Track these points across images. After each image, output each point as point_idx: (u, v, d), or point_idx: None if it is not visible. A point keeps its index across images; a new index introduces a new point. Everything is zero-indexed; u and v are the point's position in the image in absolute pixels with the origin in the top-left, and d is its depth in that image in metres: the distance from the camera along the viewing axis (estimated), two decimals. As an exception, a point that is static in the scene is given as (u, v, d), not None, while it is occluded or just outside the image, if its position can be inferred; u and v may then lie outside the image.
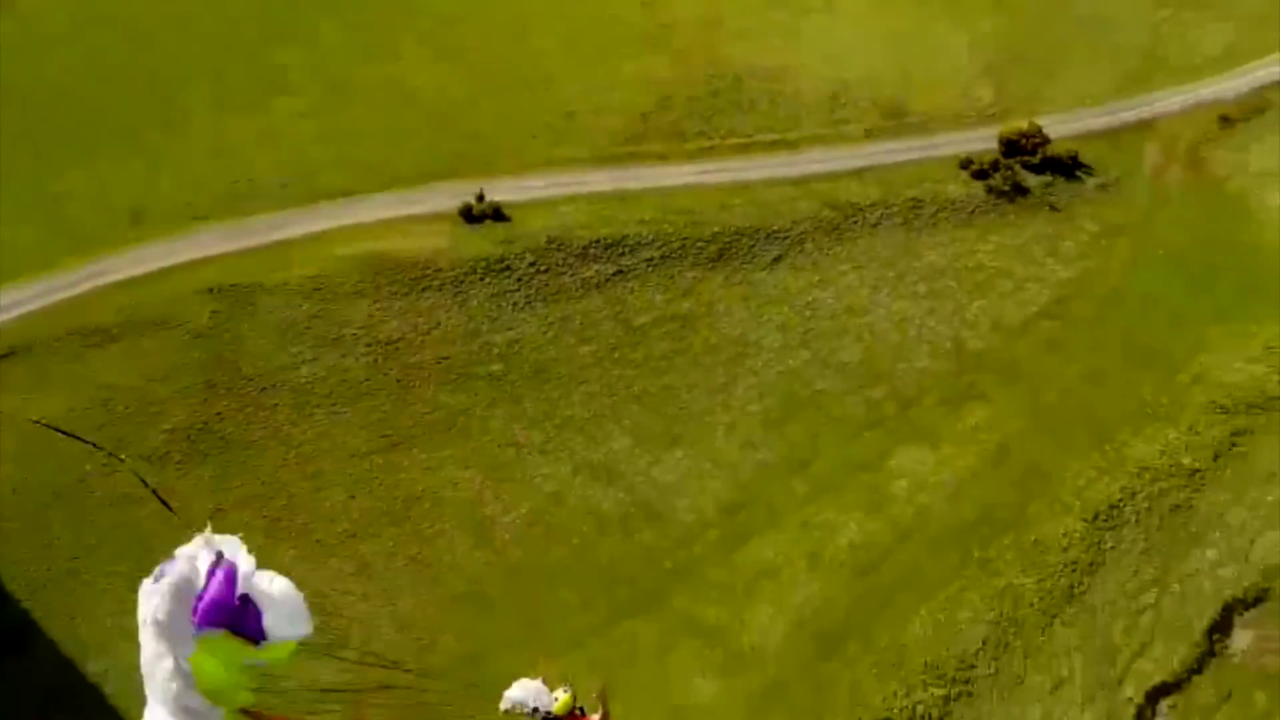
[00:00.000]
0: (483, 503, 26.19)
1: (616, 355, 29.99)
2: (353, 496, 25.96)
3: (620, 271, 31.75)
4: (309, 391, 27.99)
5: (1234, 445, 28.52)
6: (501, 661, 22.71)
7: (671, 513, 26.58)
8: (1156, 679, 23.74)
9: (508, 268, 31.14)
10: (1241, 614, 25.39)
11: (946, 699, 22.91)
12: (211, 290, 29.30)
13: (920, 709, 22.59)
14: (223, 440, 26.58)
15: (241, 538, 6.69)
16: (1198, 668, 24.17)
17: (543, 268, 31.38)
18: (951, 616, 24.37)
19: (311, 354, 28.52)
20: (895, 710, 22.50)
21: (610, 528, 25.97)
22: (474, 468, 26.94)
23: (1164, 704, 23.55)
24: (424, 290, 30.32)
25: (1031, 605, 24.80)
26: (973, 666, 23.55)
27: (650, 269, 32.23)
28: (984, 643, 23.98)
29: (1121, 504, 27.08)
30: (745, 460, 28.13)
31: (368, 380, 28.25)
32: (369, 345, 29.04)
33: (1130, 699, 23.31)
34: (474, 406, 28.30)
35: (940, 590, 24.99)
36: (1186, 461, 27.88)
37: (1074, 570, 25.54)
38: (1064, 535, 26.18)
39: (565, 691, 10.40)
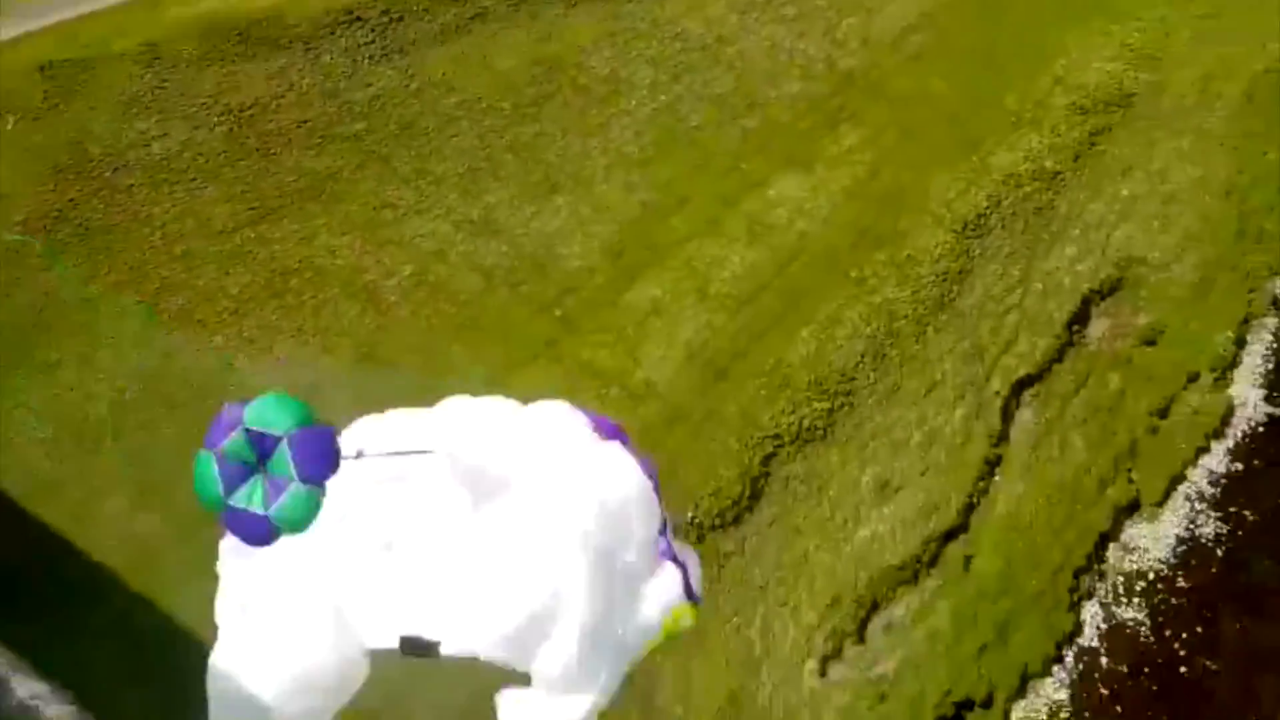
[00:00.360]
0: (363, 268, 25.85)
1: (484, 105, 29.06)
2: (228, 273, 25.32)
3: (479, 14, 30.27)
4: (164, 169, 26.68)
5: (1093, 144, 29.55)
6: (402, 420, 23.14)
7: (556, 261, 26.66)
8: (1021, 372, 25.47)
9: (358, 19, 29.38)
10: (1098, 304, 27.12)
11: (830, 411, 24.25)
12: (42, 69, 27.19)
13: (805, 422, 23.90)
14: (82, 228, 25.36)
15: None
16: (1058, 358, 25.96)
17: (396, 15, 29.68)
18: (831, 334, 25.43)
19: (160, 129, 26.95)
20: (783, 426, 23.73)
21: (497, 281, 25.99)
22: (350, 233, 26.39)
23: (1027, 394, 25.39)
24: (272, 51, 28.52)
25: (906, 317, 25.99)
26: (853, 379, 24.83)
27: (511, 9, 30.80)
28: (863, 356, 25.20)
29: (988, 212, 28.11)
30: (626, 202, 28.11)
31: (225, 152, 26.94)
32: (222, 114, 27.52)
33: (997, 393, 25.04)
34: (341, 170, 27.40)
35: (820, 311, 25.94)
36: (1049, 165, 28.87)
37: (944, 280, 26.70)
38: (935, 247, 27.19)
39: None
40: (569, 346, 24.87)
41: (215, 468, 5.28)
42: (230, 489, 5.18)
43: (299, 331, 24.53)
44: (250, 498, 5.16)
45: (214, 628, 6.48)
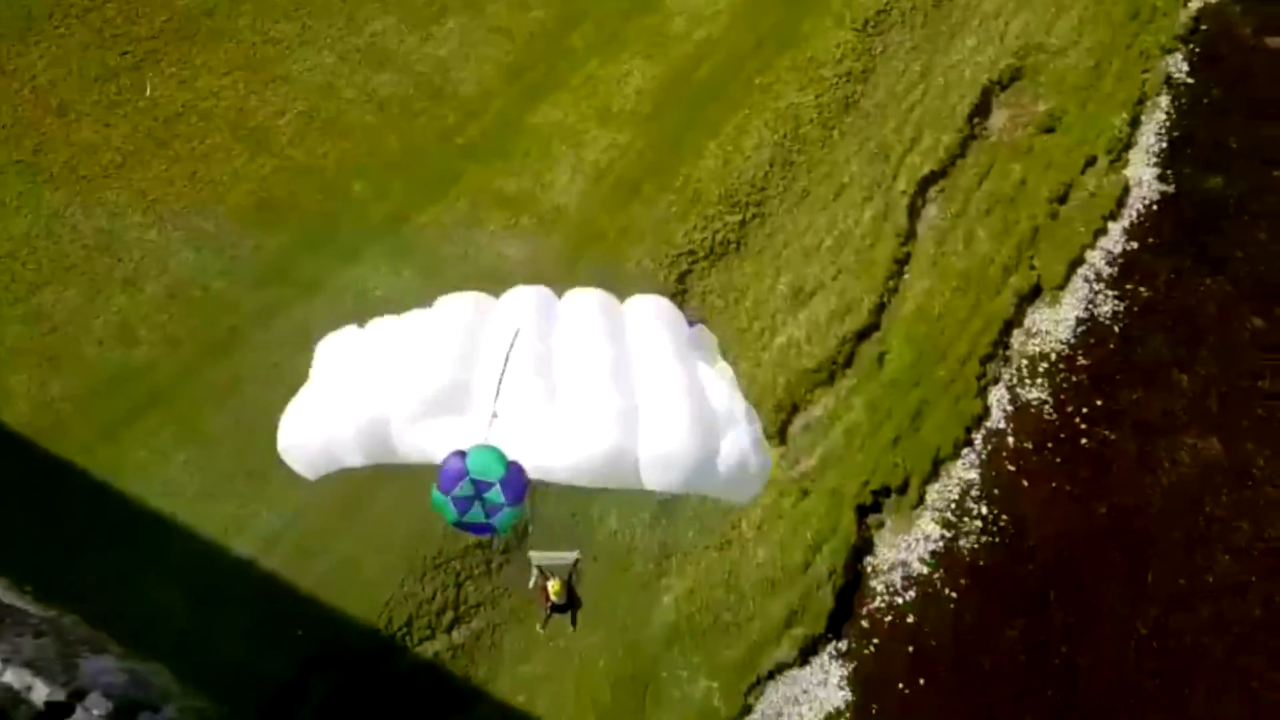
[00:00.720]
0: (251, 109, 24.75)
1: (360, -76, 27.40)
2: (108, 125, 24.11)
3: None
4: (25, 17, 25.01)
5: (989, -68, 29.10)
6: (307, 265, 22.80)
7: (453, 87, 25.83)
8: (926, 169, 25.75)
9: None
10: (998, 95, 27.29)
11: (742, 223, 24.39)
12: None
13: (719, 236, 24.03)
14: (-61, 87, 23.85)
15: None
16: (961, 152, 26.25)
17: None
18: (739, 145, 25.30)
19: (11, -28, 25.07)
20: (696, 242, 23.84)
21: (392, 112, 25.15)
22: (232, 73, 25.12)
23: (932, 191, 25.75)
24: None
25: (811, 121, 25.90)
26: (763, 189, 24.89)
27: None
28: (771, 165, 25.19)
29: (888, 8, 27.74)
30: (520, 21, 27.12)
31: (87, -7, 25.26)
32: (76, -48, 25.62)
33: (904, 192, 25.35)
34: (216, 7, 25.85)
35: (727, 122, 25.70)
36: (946, -45, 28.45)
37: (848, 80, 26.55)
38: (837, 47, 26.89)
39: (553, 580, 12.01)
40: (474, 177, 24.40)
41: (450, 504, 7.85)
42: (461, 513, 7.86)
43: (191, 180, 23.63)
44: (475, 516, 7.89)
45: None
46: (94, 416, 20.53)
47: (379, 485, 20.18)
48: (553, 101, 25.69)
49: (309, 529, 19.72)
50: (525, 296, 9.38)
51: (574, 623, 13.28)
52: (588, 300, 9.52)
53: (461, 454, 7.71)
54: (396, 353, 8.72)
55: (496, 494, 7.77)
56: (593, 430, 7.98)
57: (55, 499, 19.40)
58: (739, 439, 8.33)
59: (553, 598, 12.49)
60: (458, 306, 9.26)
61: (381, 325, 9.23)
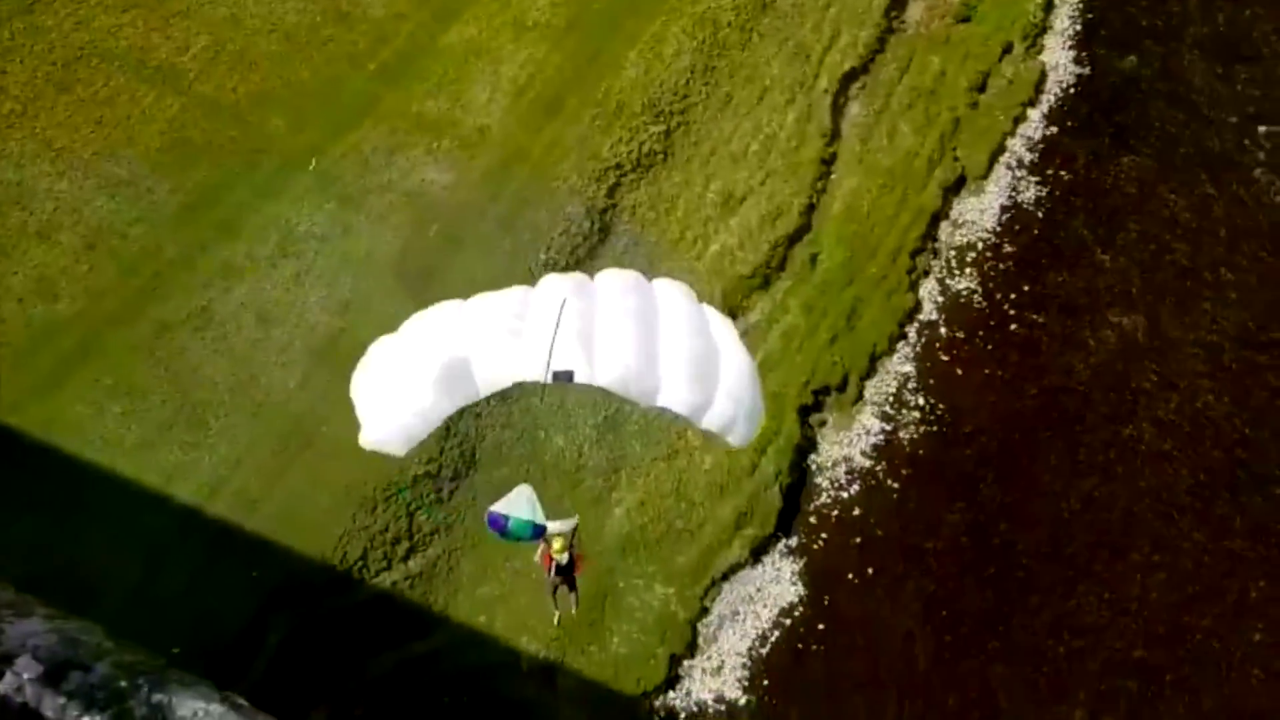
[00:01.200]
0: (153, 46, 23.87)
1: None
2: (4, 72, 23.16)
3: None
4: (-104, -40, 23.79)
5: None
6: (227, 203, 22.31)
7: (361, 10, 25.14)
8: (846, 66, 25.71)
9: None
10: (913, -13, 27.25)
11: (666, 133, 24.25)
12: None
13: (644, 148, 23.90)
14: None
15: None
16: (879, 48, 26.24)
17: None
18: (659, 53, 25.04)
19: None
20: (623, 155, 23.70)
21: (300, 40, 24.43)
22: (130, 9, 24.16)
23: (854, 88, 25.77)
24: None
25: (729, 25, 25.67)
26: (686, 97, 24.72)
27: None
28: (692, 72, 24.99)
29: (799, -97, 27.39)
30: (424, -63, 26.34)
31: (-36, -68, 23.99)
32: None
33: (825, 90, 25.34)
34: (104, -62, 24.84)
35: (644, 30, 25.39)
36: None
37: (764, -20, 26.28)
38: (750, -53, 26.54)
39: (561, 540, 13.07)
40: (392, 102, 23.90)
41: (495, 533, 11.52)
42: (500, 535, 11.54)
43: (98, 125, 22.85)
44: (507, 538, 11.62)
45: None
46: (22, 376, 20.07)
47: (318, 424, 20.12)
48: (465, 19, 25.14)
49: (252, 472, 19.62)
50: (562, 280, 10.64)
51: (574, 589, 14.67)
52: (616, 275, 11.08)
53: (505, 519, 11.41)
54: (459, 316, 10.30)
55: (524, 532, 11.54)
56: (619, 357, 9.71)
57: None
58: (744, 388, 10.46)
59: (555, 556, 13.13)
60: (503, 296, 10.55)
61: (425, 318, 10.59)
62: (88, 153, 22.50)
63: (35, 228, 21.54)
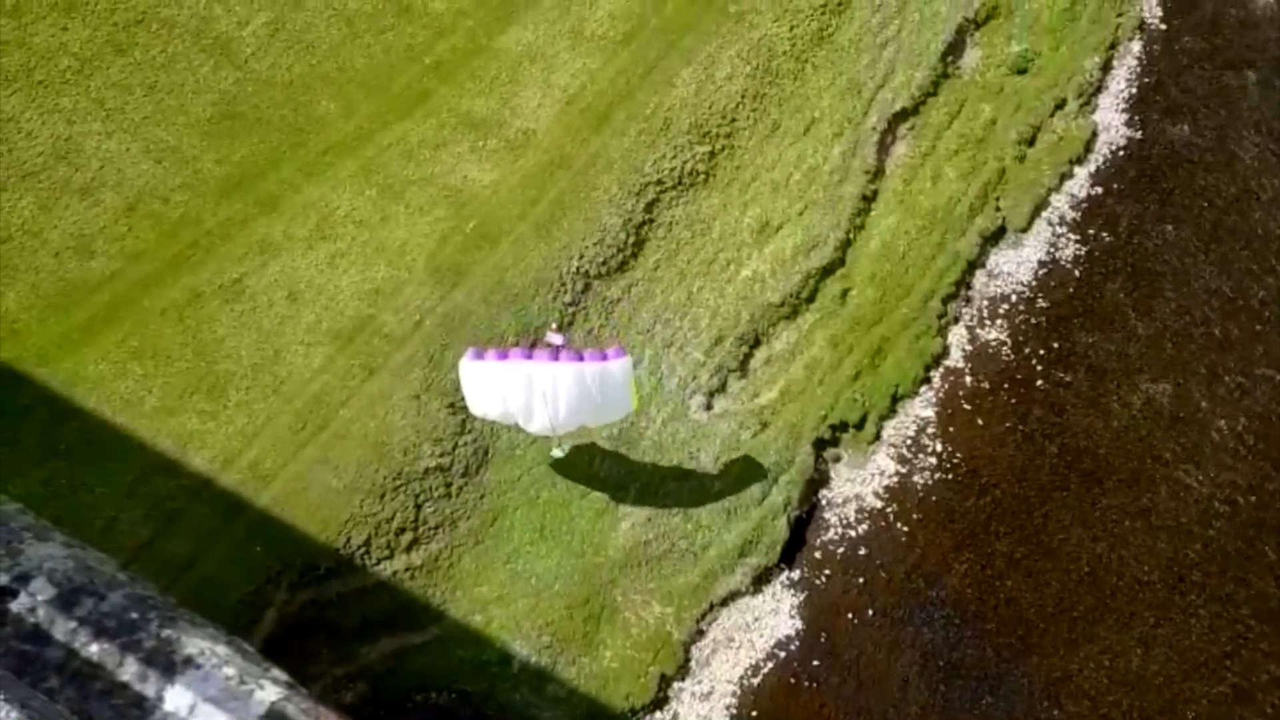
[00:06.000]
0: (214, 18, 24.13)
1: None
2: (66, 29, 23.45)
3: None
4: (-25, -90, 24.16)
5: None
6: (270, 180, 22.49)
7: (423, 4, 25.30)
8: (897, 106, 25.65)
9: None
10: (972, 34, 27.15)
11: (711, 154, 24.27)
12: None
13: (687, 166, 23.93)
14: (-113, -18, 23.04)
15: None
16: (933, 90, 26.16)
17: None
18: (711, 75, 25.08)
19: None
20: (665, 171, 23.73)
21: (360, 27, 24.64)
22: (195, -20, 24.53)
23: (902, 128, 25.71)
24: None
25: (784, 54, 25.68)
26: (733, 120, 24.74)
27: None
28: (742, 96, 25.01)
29: (867, -60, 27.44)
30: (492, -63, 26.55)
31: (42, -111, 24.34)
32: None
33: (874, 128, 25.28)
34: (178, -92, 25.15)
35: (699, 51, 25.42)
36: (928, -112, 28.02)
37: (823, 12, 26.27)
38: (813, -21, 26.60)
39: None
40: (442, 96, 24.04)
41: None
42: None
43: (151, 90, 23.11)
44: None
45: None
46: (51, 328, 20.30)
47: (336, 407, 20.23)
48: (524, 22, 25.27)
49: (267, 447, 19.74)
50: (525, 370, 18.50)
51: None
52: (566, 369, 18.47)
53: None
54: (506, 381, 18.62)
55: None
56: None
57: (7, 408, 19.24)
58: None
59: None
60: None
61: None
62: (139, 116, 22.74)
63: (79, 184, 21.78)
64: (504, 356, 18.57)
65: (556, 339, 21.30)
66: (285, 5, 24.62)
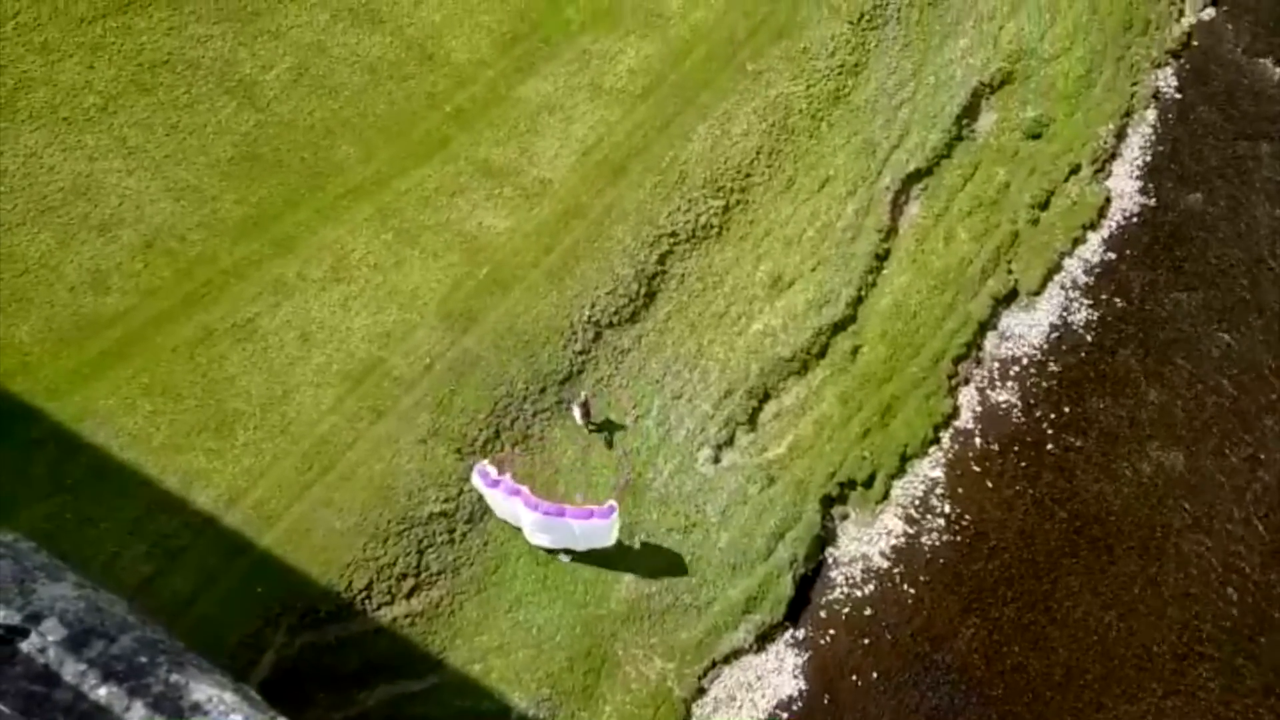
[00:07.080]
0: (237, 61, 24.49)
1: (360, -119, 27.10)
2: (92, 67, 23.81)
3: None
4: (9, -49, 24.64)
5: (990, -66, 29.11)
6: (287, 222, 22.64)
7: (445, 53, 25.66)
8: (911, 167, 25.82)
9: None
10: (987, 98, 27.38)
11: (725, 208, 24.40)
12: None
13: (701, 219, 24.05)
14: (-80, 17, 23.45)
15: None
16: (947, 153, 26.34)
17: None
18: (727, 131, 25.29)
19: (0, -96, 24.62)
20: (679, 224, 23.84)
21: (382, 75, 24.96)
22: (221, 23, 24.85)
23: (916, 189, 25.85)
24: None
25: (801, 112, 25.92)
26: (748, 176, 24.90)
27: None
28: (758, 152, 25.20)
29: (885, 2, 27.76)
30: (515, -10, 26.95)
31: (77, -69, 24.84)
32: (68, -112, 25.18)
33: (887, 187, 25.43)
34: (208, -47, 25.63)
35: (717, 107, 25.68)
36: (946, -46, 28.45)
37: (840, 73, 26.56)
38: (831, 39, 26.88)
39: None
40: (461, 144, 24.27)
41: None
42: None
43: (174, 129, 23.39)
44: None
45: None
46: (62, 362, 20.35)
47: (343, 449, 20.16)
48: (544, 74, 25.58)
49: (273, 488, 19.65)
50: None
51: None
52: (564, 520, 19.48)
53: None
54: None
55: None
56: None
57: (18, 441, 19.23)
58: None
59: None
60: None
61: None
62: (160, 155, 22.99)
63: (98, 220, 21.97)
64: (495, 484, 19.36)
65: (490, 470, 19.63)
66: (309, 51, 24.98)
